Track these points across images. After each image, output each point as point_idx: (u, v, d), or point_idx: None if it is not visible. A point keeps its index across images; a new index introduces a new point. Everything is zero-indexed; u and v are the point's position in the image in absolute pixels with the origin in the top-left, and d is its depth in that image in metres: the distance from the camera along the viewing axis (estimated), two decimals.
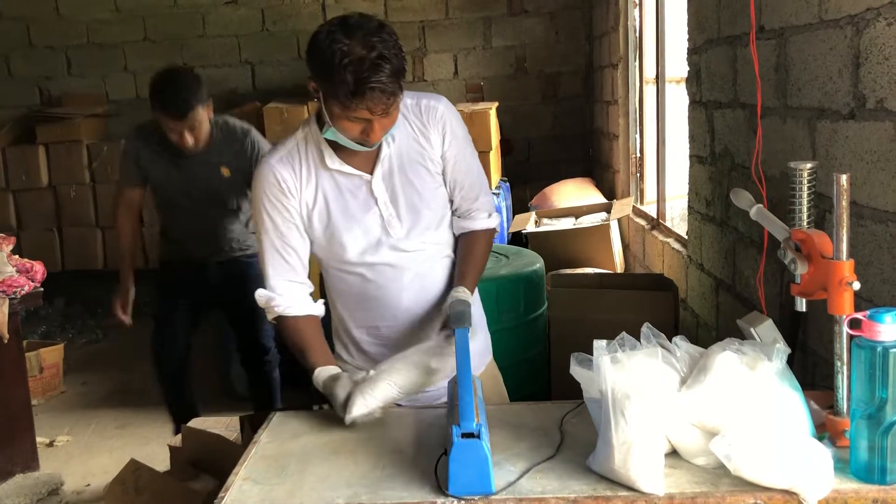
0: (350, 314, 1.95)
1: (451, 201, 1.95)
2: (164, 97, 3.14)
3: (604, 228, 4.81)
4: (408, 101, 1.84)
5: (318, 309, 1.89)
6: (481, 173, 2.00)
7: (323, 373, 1.76)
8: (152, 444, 3.96)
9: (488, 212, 2.00)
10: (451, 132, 1.88)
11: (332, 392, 1.68)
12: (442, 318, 1.81)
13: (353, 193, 1.83)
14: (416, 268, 1.89)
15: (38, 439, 3.87)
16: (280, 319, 1.86)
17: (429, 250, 1.90)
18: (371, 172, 1.83)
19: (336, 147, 1.80)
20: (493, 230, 2.03)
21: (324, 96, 1.68)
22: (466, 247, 1.96)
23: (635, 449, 1.32)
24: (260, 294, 1.86)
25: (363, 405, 1.62)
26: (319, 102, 1.72)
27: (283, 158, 1.82)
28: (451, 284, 1.92)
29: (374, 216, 1.84)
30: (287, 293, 1.85)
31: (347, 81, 1.59)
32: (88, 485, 3.66)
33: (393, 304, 1.90)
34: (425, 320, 1.91)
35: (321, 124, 1.79)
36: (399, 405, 1.89)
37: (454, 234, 1.97)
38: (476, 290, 1.98)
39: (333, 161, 1.81)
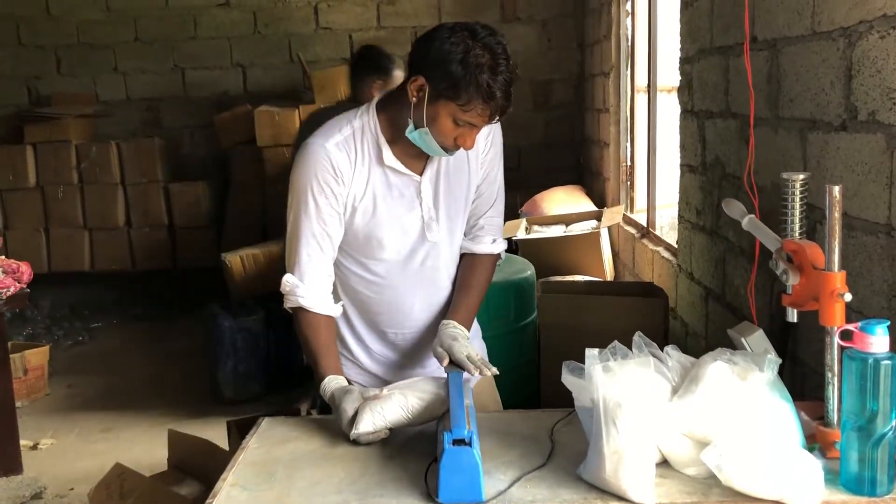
0: (361, 315, 1.93)
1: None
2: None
3: (594, 236, 4.82)
4: None
5: (337, 310, 1.87)
6: (501, 192, 2.01)
7: (332, 383, 1.73)
8: (138, 448, 3.93)
9: (493, 236, 1.99)
10: (496, 141, 1.95)
11: (340, 405, 1.64)
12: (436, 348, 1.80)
13: (400, 192, 1.83)
14: (435, 280, 1.91)
15: (22, 442, 3.83)
16: (298, 311, 1.83)
17: (449, 266, 1.93)
18: (420, 174, 1.84)
19: (392, 143, 1.81)
20: (497, 256, 2.02)
21: (435, 95, 1.68)
22: (469, 272, 1.95)
23: (626, 458, 1.32)
24: (288, 280, 1.82)
25: (371, 422, 1.58)
26: (417, 101, 1.71)
27: (340, 144, 1.79)
28: (444, 281, 1.94)
29: (415, 217, 1.84)
30: (314, 286, 1.81)
31: (481, 85, 1.64)
32: (72, 489, 3.62)
33: (408, 311, 1.91)
34: (432, 329, 1.91)
35: (389, 120, 1.79)
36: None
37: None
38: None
39: (390, 157, 1.81)
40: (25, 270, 3.72)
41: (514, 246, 4.92)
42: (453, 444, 1.35)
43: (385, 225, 1.82)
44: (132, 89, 6.87)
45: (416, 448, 1.57)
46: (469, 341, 1.81)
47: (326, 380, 1.75)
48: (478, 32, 1.68)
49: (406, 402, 1.61)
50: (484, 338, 2.13)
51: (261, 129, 5.81)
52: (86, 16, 6.77)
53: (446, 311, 1.91)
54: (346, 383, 1.75)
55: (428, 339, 1.91)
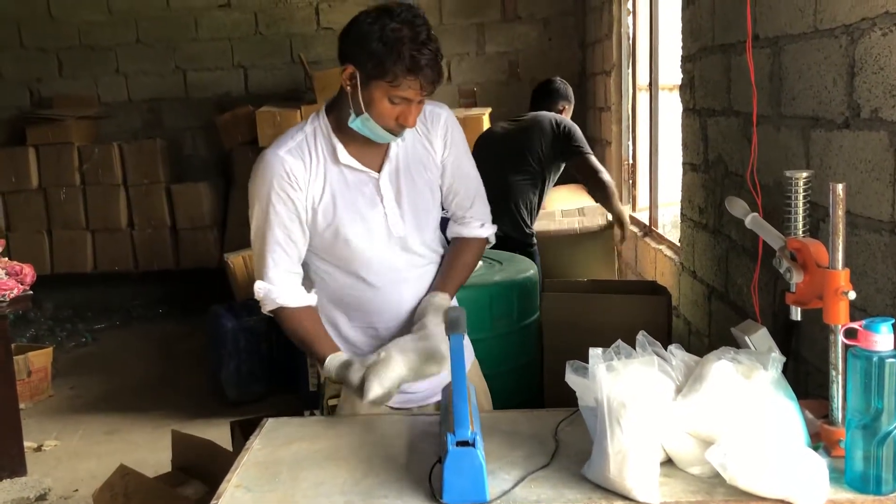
0: (345, 313, 1.94)
1: (447, 208, 2.00)
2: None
3: (606, 234, 4.73)
4: None
5: (313, 298, 1.90)
6: (479, 183, 2.04)
7: (334, 360, 1.77)
8: (141, 450, 3.93)
9: (482, 221, 2.02)
10: (451, 139, 1.95)
11: (346, 378, 1.70)
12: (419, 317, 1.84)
13: (360, 190, 1.85)
14: (416, 269, 1.93)
15: (26, 444, 3.84)
16: (278, 311, 1.86)
17: (427, 255, 1.94)
18: (378, 171, 1.86)
19: (346, 143, 1.83)
20: (485, 240, 2.05)
21: (365, 79, 1.72)
22: (455, 252, 2.00)
23: (631, 458, 1.32)
24: (259, 287, 1.86)
25: (379, 386, 1.63)
26: (352, 89, 1.75)
27: (293, 150, 1.83)
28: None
29: (378, 214, 1.86)
30: (285, 284, 1.86)
31: (404, 57, 1.67)
32: (76, 490, 3.63)
33: (394, 304, 1.91)
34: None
35: (337, 118, 1.82)
36: (393, 408, 1.90)
37: (447, 239, 2.02)
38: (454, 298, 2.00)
39: (344, 156, 1.83)
40: (28, 272, 3.72)
41: None
42: (457, 446, 1.35)
43: (348, 223, 1.84)
44: (134, 91, 6.87)
45: (420, 449, 1.57)
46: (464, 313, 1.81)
47: (327, 360, 1.78)
48: (394, 11, 1.72)
49: (406, 358, 1.66)
50: (487, 338, 2.14)
51: (262, 130, 5.81)
52: (87, 18, 6.77)
53: (426, 276, 1.96)
54: (345, 358, 1.78)
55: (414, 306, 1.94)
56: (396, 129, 1.78)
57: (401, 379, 1.66)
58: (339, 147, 1.83)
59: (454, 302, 2.01)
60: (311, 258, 1.92)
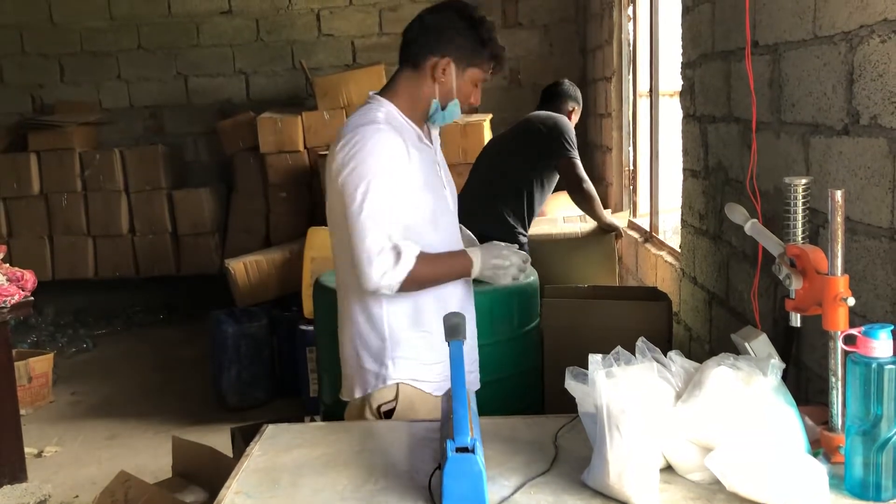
0: (436, 299, 2.00)
1: None
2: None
3: (607, 240, 4.70)
4: None
5: (417, 248, 1.96)
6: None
7: (476, 260, 1.99)
8: (142, 456, 3.93)
9: None
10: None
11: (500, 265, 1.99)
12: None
13: (432, 168, 2.04)
14: (460, 238, 2.16)
15: (27, 449, 3.84)
16: (411, 270, 1.88)
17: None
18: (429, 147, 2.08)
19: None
20: None
21: (464, 68, 1.99)
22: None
23: (630, 464, 1.32)
24: (384, 258, 1.86)
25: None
26: (445, 80, 1.98)
27: (391, 130, 1.94)
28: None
29: (442, 188, 2.07)
30: (406, 253, 1.90)
31: (495, 47, 1.99)
32: (77, 496, 3.63)
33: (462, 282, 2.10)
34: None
35: (409, 106, 2.01)
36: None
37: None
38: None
39: (423, 136, 2.03)
40: (29, 278, 3.72)
41: None
42: (456, 452, 1.35)
43: (432, 197, 2.00)
44: (135, 97, 6.89)
45: (419, 456, 1.57)
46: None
47: (473, 263, 1.99)
48: (467, 7, 2.00)
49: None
50: (487, 344, 2.14)
51: (264, 136, 5.81)
52: (89, 24, 6.79)
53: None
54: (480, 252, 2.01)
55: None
56: (469, 108, 2.06)
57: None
58: (417, 129, 2.01)
59: (455, 307, 2.01)
60: (410, 237, 1.95)
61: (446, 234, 2.05)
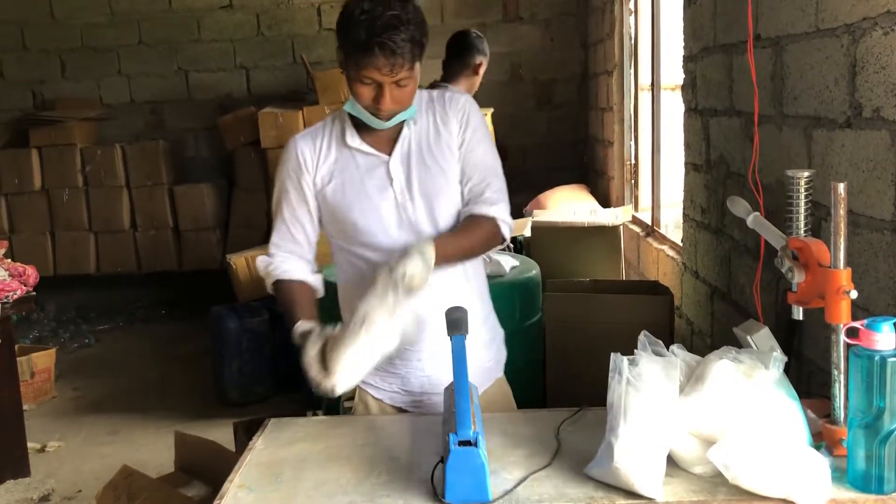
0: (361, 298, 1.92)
1: (463, 193, 1.89)
2: None
3: (612, 231, 4.66)
4: (434, 94, 1.93)
5: (316, 281, 1.92)
6: (494, 171, 1.92)
7: (298, 328, 1.76)
8: (144, 450, 3.94)
9: (492, 203, 1.87)
10: (467, 123, 1.89)
11: (303, 352, 1.66)
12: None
13: (370, 173, 1.85)
14: None
15: (30, 445, 3.84)
16: (277, 284, 1.89)
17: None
18: (390, 154, 1.86)
19: (359, 127, 1.85)
20: (495, 222, 1.87)
21: (345, 60, 1.75)
22: (461, 224, 1.87)
23: (637, 452, 1.32)
24: (260, 260, 1.91)
25: (347, 385, 1.59)
26: (344, 72, 1.78)
27: (307, 135, 1.91)
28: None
29: (389, 198, 1.84)
30: (284, 259, 1.90)
31: (360, 35, 1.67)
32: (80, 491, 3.64)
33: None
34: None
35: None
36: (401, 409, 1.88)
37: None
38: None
39: (354, 139, 1.86)
40: (31, 274, 3.72)
41: (519, 245, 4.90)
42: (459, 445, 1.35)
43: (356, 207, 1.84)
44: (136, 92, 6.89)
45: (422, 449, 1.57)
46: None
47: (294, 327, 1.77)
48: None
49: (378, 328, 1.58)
50: None
51: (265, 131, 5.81)
52: (89, 19, 6.79)
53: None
54: (309, 326, 1.73)
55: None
56: (377, 112, 1.76)
57: (367, 361, 1.58)
58: (350, 131, 1.86)
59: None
60: (334, 245, 1.95)
61: (382, 240, 1.83)
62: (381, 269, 1.65)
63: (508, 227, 1.90)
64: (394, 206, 1.84)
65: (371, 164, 1.85)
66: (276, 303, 1.93)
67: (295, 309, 1.82)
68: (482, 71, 3.91)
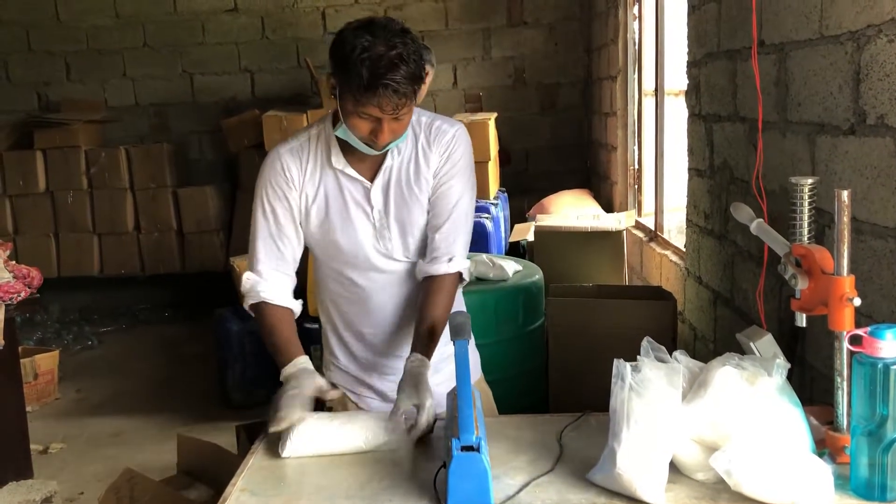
0: (340, 316, 1.97)
1: (428, 225, 1.89)
2: None
3: (615, 237, 4.66)
4: (423, 119, 1.88)
5: (296, 306, 1.92)
6: (463, 213, 1.89)
7: (286, 370, 1.77)
8: (147, 453, 3.94)
9: (450, 256, 1.86)
10: (449, 157, 1.87)
11: (279, 407, 1.65)
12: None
13: (352, 196, 1.86)
14: (400, 280, 1.91)
15: (32, 446, 3.84)
16: (260, 305, 1.88)
17: (412, 268, 1.91)
18: (372, 180, 1.85)
19: (345, 149, 1.83)
20: (457, 275, 1.89)
21: (340, 92, 1.70)
22: (426, 300, 1.85)
23: (640, 457, 1.32)
24: (247, 277, 1.89)
25: (296, 450, 1.60)
26: (336, 99, 1.73)
27: (293, 150, 1.86)
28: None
29: (367, 223, 1.86)
30: (273, 280, 1.88)
31: (362, 75, 1.62)
32: (82, 493, 3.64)
33: (377, 310, 1.92)
34: (405, 332, 1.91)
35: (336, 123, 1.81)
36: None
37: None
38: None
39: (339, 161, 1.84)
40: (35, 275, 3.73)
41: (521, 250, 4.91)
42: (462, 451, 1.35)
43: (338, 227, 1.86)
44: (141, 95, 6.90)
45: (424, 454, 1.58)
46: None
47: (283, 370, 1.77)
48: (375, 25, 1.66)
49: (341, 433, 1.62)
50: (492, 343, 2.13)
51: (269, 134, 5.81)
52: (95, 22, 6.81)
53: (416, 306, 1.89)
54: (303, 368, 1.75)
55: (403, 338, 1.92)
56: (373, 144, 1.73)
57: (324, 452, 1.61)
58: (335, 152, 1.84)
59: (460, 306, 2.01)
60: (315, 255, 1.95)
61: (359, 262, 1.86)
62: (394, 412, 1.64)
63: (468, 270, 1.94)
64: (371, 231, 1.86)
65: (354, 188, 1.85)
66: (256, 322, 1.91)
67: (281, 348, 1.82)
68: (429, 80, 3.83)
